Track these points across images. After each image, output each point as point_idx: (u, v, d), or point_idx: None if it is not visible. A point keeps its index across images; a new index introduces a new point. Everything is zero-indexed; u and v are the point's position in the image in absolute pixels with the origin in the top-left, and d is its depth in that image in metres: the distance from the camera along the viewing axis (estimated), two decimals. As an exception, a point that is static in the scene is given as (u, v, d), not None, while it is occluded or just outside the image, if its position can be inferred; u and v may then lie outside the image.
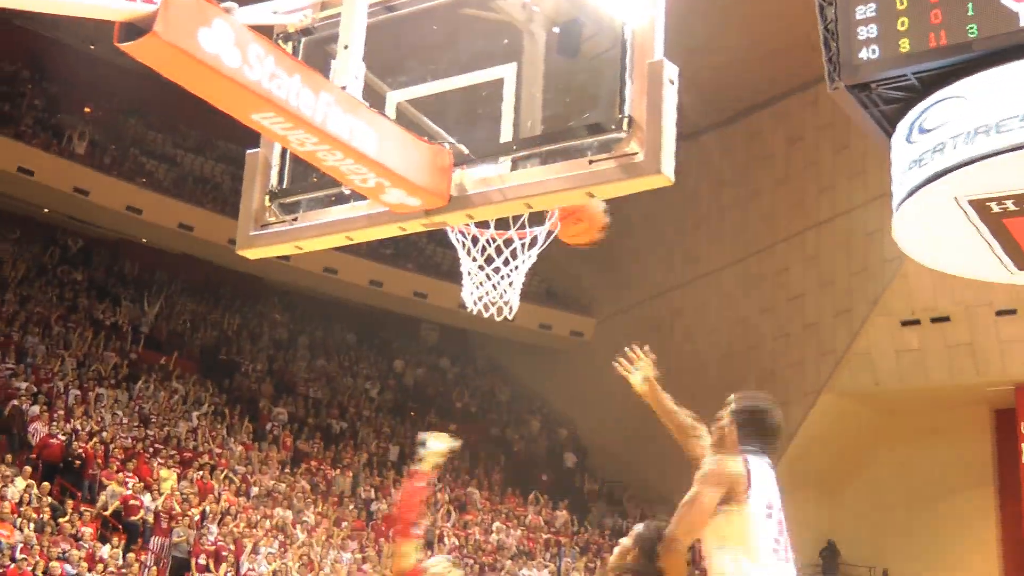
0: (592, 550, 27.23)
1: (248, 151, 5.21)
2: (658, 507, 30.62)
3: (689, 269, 30.91)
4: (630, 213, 30.93)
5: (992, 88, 12.81)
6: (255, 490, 23.29)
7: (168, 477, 21.79)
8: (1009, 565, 27.46)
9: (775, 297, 28.98)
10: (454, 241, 5.31)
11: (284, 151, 5.01)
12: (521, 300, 5.38)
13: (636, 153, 4.27)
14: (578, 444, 33.44)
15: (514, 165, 4.64)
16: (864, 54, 13.98)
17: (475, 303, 5.26)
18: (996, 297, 24.70)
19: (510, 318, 5.31)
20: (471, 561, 24.03)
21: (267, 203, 5.02)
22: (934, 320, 26.35)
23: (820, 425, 27.90)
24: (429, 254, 33.37)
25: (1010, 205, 13.15)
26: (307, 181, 5.00)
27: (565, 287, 34.62)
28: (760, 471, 4.74)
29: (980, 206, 13.25)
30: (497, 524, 26.28)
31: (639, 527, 5.13)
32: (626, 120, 4.31)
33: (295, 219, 5.03)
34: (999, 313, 25.61)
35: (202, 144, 33.22)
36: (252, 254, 5.08)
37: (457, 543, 24.65)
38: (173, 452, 23.09)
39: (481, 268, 5.22)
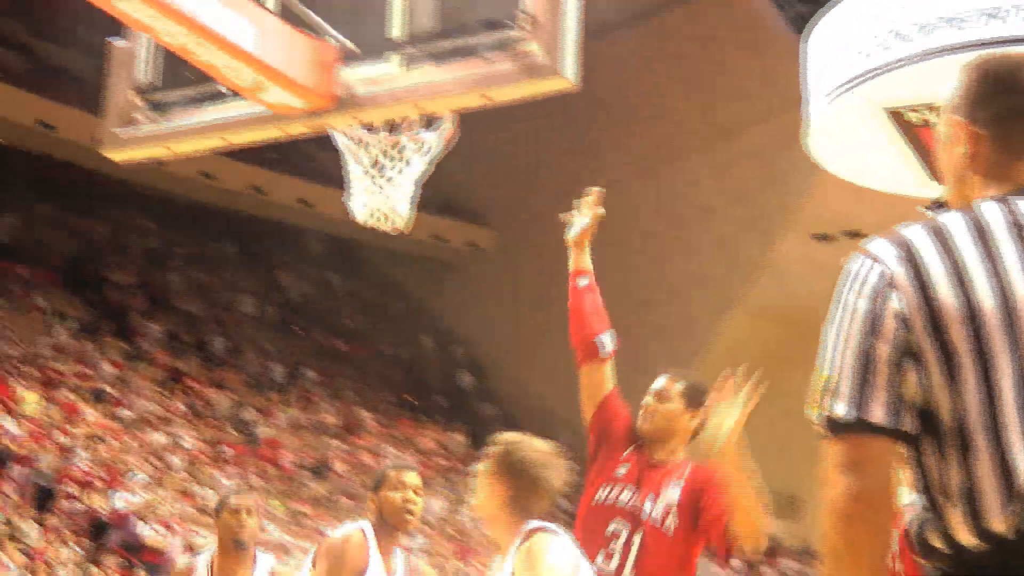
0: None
1: (113, 42, 5.07)
2: (558, 429, 30.96)
3: (593, 179, 30.86)
4: (532, 118, 30.81)
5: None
6: (127, 413, 23.05)
7: (30, 399, 21.44)
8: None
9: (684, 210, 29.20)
10: (340, 145, 5.24)
11: (154, 43, 4.88)
12: (414, 210, 5.34)
13: (536, 53, 4.24)
14: (474, 363, 33.56)
15: (405, 64, 4.58)
16: (780, -49, 14.04)
17: (364, 213, 5.21)
18: (908, 212, 25.13)
19: (403, 230, 5.27)
20: (362, 489, 24.13)
21: (135, 100, 4.91)
22: (847, 234, 26.77)
23: (728, 343, 28.29)
24: (315, 159, 32.96)
25: (927, 114, 13.35)
26: (180, 77, 4.88)
27: (461, 197, 34.48)
28: None
29: (897, 115, 13.43)
30: (389, 449, 26.38)
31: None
32: (525, 17, 4.27)
33: (167, 119, 4.93)
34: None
35: (61, 33, 32.16)
36: (119, 156, 4.97)
37: (347, 469, 24.73)
38: (35, 372, 22.70)
39: (370, 175, 5.16)
